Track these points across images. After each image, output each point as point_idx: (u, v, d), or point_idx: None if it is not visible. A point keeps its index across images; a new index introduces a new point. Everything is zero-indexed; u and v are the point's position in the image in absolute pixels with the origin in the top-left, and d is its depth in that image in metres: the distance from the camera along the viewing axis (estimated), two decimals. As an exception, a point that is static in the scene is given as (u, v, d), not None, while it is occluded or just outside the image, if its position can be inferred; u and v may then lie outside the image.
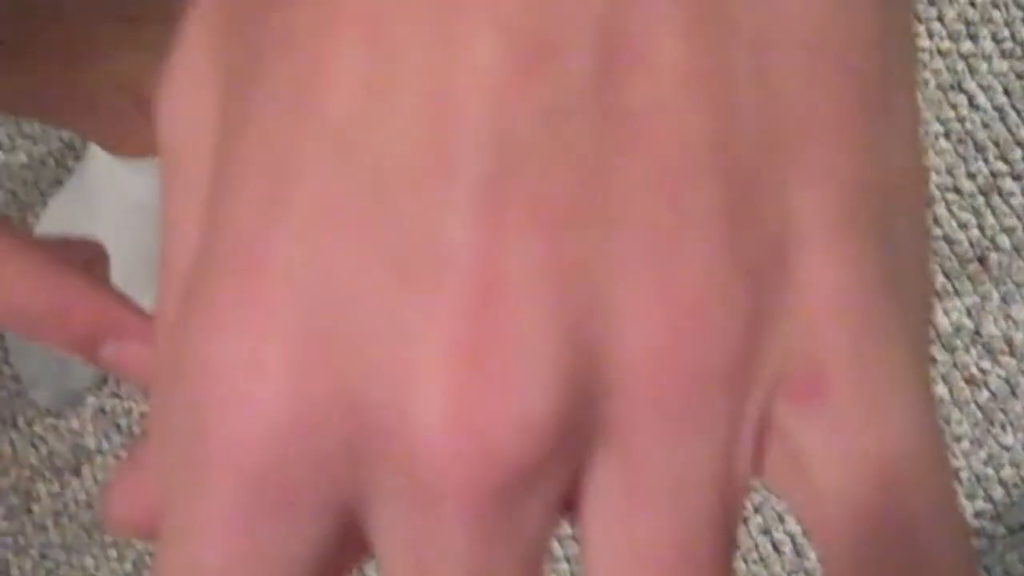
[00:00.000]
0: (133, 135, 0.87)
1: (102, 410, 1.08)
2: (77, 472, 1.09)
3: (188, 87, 0.18)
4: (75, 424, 1.10)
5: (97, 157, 0.92)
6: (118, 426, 1.08)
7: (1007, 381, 0.86)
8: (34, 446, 1.11)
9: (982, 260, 0.88)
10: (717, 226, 0.15)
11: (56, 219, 1.00)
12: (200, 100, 0.18)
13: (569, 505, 0.16)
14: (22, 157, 1.11)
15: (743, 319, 0.16)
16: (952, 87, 0.90)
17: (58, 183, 1.09)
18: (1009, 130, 0.89)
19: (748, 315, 0.16)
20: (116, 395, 1.03)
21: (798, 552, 0.89)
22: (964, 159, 0.89)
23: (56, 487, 1.10)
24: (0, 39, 0.76)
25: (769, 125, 0.16)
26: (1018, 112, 0.89)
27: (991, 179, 0.88)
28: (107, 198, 0.94)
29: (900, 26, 0.17)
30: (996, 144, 0.89)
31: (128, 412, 1.02)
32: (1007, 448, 0.85)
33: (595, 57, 0.15)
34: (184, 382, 0.16)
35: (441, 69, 0.15)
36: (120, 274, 0.95)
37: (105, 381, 1.03)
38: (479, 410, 0.15)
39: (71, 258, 0.40)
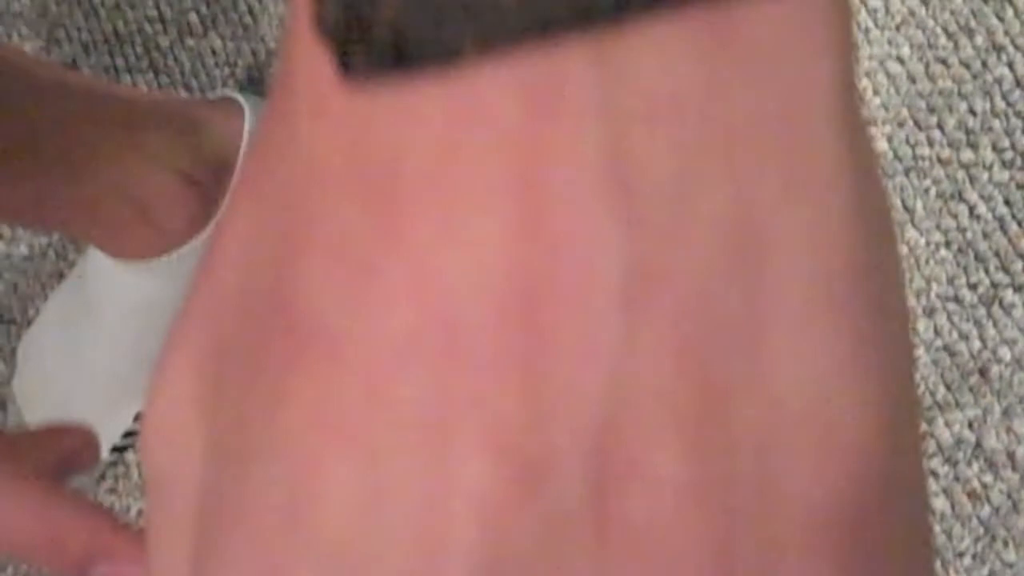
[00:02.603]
0: (134, 242, 0.87)
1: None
2: (73, 567, 1.09)
3: (173, 421, 0.18)
4: (72, 516, 1.09)
5: (97, 256, 0.92)
6: (115, 519, 1.08)
7: (1009, 496, 0.85)
8: (31, 539, 1.10)
9: (983, 372, 0.87)
10: None
11: (56, 314, 1.00)
12: (185, 438, 0.18)
13: None
14: (23, 249, 1.11)
15: None
16: (952, 196, 0.90)
17: (59, 275, 1.09)
18: (1010, 241, 0.88)
19: None
20: (114, 491, 1.02)
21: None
22: (965, 269, 0.89)
23: (52, 581, 1.09)
24: (1, 147, 0.77)
25: (770, 520, 0.16)
26: (1019, 223, 0.88)
27: (992, 290, 0.88)
28: (106, 297, 0.94)
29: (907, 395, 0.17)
30: (997, 255, 0.89)
31: (127, 509, 1.02)
32: (1010, 565, 0.85)
33: (590, 473, 0.15)
34: None
35: (432, 488, 0.15)
36: (117, 375, 0.95)
37: (103, 477, 1.02)
38: None
39: (61, 447, 0.40)
